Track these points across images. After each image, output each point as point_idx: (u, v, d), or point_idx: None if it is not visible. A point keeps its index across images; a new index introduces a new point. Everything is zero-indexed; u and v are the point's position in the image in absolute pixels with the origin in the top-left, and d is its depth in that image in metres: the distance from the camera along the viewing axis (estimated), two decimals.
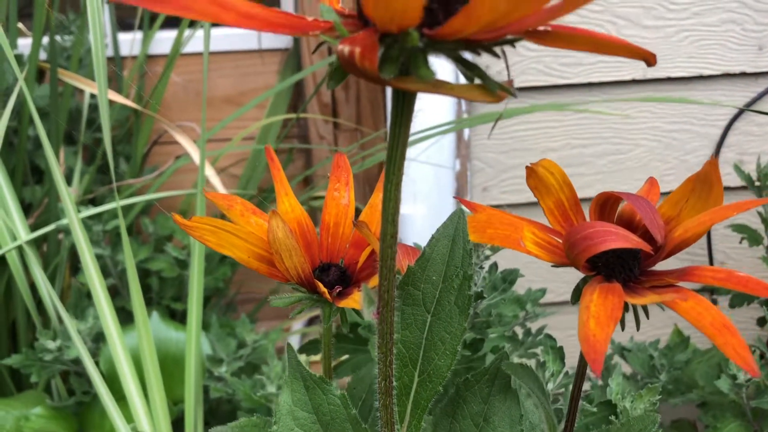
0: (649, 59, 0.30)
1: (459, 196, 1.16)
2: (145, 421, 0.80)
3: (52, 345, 0.86)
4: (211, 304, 0.95)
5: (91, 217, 0.89)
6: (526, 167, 0.41)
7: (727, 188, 1.18)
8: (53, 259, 0.94)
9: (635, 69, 1.13)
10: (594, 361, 0.32)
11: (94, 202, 0.99)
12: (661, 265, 0.40)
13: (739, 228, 1.05)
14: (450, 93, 0.27)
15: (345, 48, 0.26)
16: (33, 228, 0.95)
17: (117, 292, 0.95)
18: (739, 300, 1.04)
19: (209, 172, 0.91)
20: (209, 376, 0.86)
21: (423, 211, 1.19)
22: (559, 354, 0.63)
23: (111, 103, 1.06)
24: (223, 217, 0.42)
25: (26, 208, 1.04)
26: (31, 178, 1.04)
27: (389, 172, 0.31)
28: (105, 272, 0.92)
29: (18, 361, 0.86)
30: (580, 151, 1.17)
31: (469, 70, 0.27)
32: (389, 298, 0.33)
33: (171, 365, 0.88)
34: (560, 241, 0.39)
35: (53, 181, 0.99)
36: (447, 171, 1.15)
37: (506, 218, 0.38)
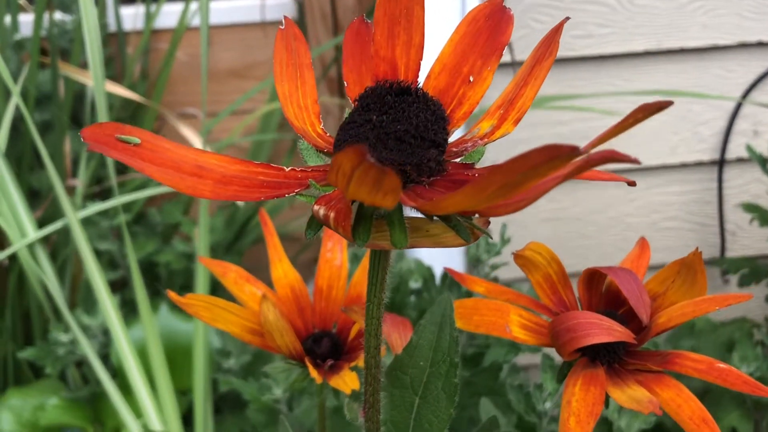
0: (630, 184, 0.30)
1: None
2: (153, 415, 0.83)
3: (64, 338, 0.89)
4: (218, 295, 0.98)
5: (100, 214, 0.90)
6: (513, 254, 0.42)
7: (740, 160, 1.17)
8: (62, 250, 0.96)
9: (648, 40, 1.11)
10: None
11: (101, 195, 1.01)
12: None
13: (750, 207, 1.05)
14: (425, 245, 0.28)
15: (320, 210, 0.26)
16: (42, 220, 0.97)
17: (126, 284, 0.97)
18: (748, 280, 1.05)
19: None
20: (218, 368, 0.89)
21: None
22: (556, 372, 0.64)
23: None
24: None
25: (34, 194, 1.06)
26: (36, 164, 1.05)
27: (371, 293, 0.32)
28: (114, 265, 0.94)
29: (32, 354, 0.90)
30: (590, 125, 1.16)
31: (445, 221, 0.28)
32: (374, 401, 0.35)
33: (180, 357, 0.91)
34: (548, 319, 0.40)
35: (62, 168, 1.01)
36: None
37: (492, 304, 0.39)
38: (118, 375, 0.89)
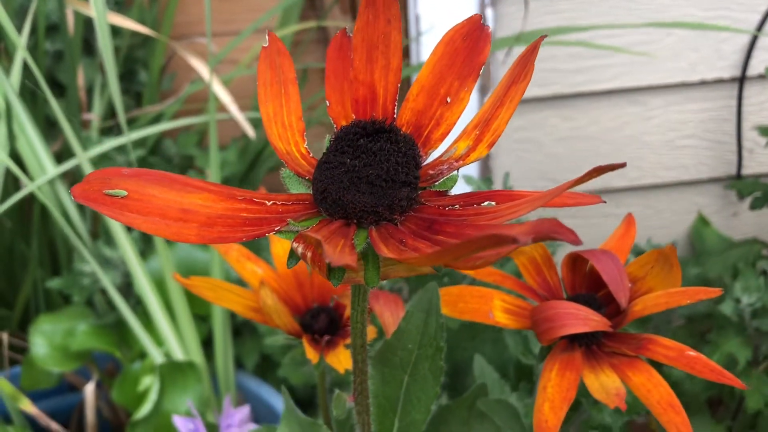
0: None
1: (483, 87, 1.16)
2: (174, 342, 0.89)
3: (87, 269, 0.94)
4: None
5: (116, 149, 0.93)
6: None
7: (762, 77, 1.15)
8: None
9: None
10: None
11: (118, 128, 1.03)
12: None
13: (765, 131, 1.04)
14: (401, 275, 0.30)
15: (298, 248, 0.29)
16: (59, 153, 1.00)
17: None
18: (760, 202, 1.06)
19: (224, 98, 0.93)
20: None
21: None
22: None
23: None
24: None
25: (52, 124, 1.08)
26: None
27: (354, 303, 0.34)
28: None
29: (59, 284, 0.95)
30: (607, 41, 1.14)
31: None
32: (363, 389, 0.38)
33: (201, 274, 0.96)
34: (531, 302, 0.42)
35: (76, 100, 1.03)
36: None
37: (476, 291, 0.41)
38: (142, 303, 0.94)
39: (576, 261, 0.44)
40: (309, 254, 0.28)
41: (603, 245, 0.46)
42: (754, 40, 1.11)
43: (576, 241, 0.23)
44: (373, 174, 0.28)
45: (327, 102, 0.34)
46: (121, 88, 1.11)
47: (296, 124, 0.34)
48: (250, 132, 0.92)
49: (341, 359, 0.44)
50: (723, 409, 1.05)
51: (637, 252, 1.06)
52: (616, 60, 1.13)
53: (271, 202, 0.30)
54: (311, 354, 0.44)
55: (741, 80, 1.15)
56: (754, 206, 1.05)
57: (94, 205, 0.27)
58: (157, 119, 1.01)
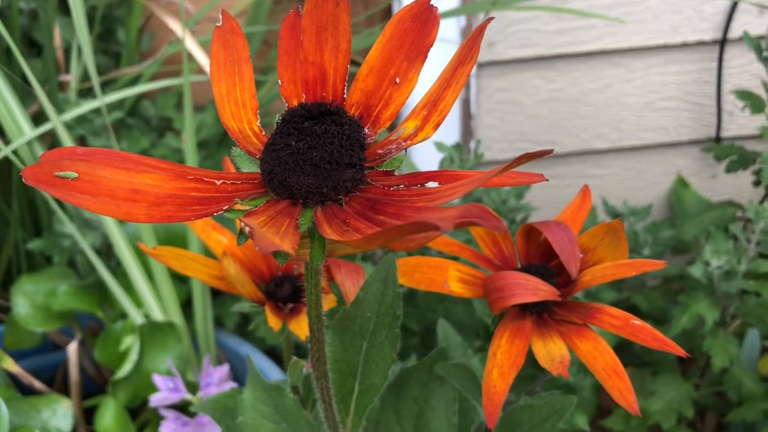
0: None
1: None
2: (153, 304, 0.91)
3: (67, 230, 0.95)
4: None
5: (94, 111, 0.93)
6: None
7: (743, 39, 1.15)
8: (59, 145, 1.00)
9: None
10: (490, 416, 0.39)
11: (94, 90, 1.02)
12: None
13: (744, 95, 1.05)
14: (348, 252, 0.32)
15: (246, 227, 0.30)
16: (36, 115, 1.00)
17: None
18: (735, 165, 1.08)
19: (201, 59, 0.93)
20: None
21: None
22: None
23: None
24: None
25: (30, 84, 1.08)
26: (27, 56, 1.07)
27: (307, 278, 0.36)
28: None
29: (40, 245, 0.96)
30: (590, 4, 1.14)
31: None
32: (320, 356, 0.40)
33: (179, 243, 0.97)
34: (486, 272, 0.44)
35: (53, 60, 1.02)
36: (451, 21, 1.13)
37: (432, 262, 0.43)
38: (121, 265, 0.95)
39: (531, 232, 0.46)
40: (253, 232, 0.29)
41: (558, 216, 0.47)
42: (735, 2, 1.12)
43: (500, 227, 0.24)
44: (317, 156, 0.30)
45: (279, 81, 0.35)
46: (99, 48, 1.11)
47: (249, 103, 0.35)
48: None
49: (303, 326, 0.46)
50: (694, 367, 1.08)
51: (614, 214, 1.08)
52: (597, 22, 1.13)
53: (221, 182, 0.32)
54: (273, 321, 0.45)
55: (722, 43, 1.15)
56: (729, 169, 1.07)
57: (44, 188, 0.28)
58: (135, 80, 1.01)
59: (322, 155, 0.30)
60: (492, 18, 0.34)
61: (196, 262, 0.46)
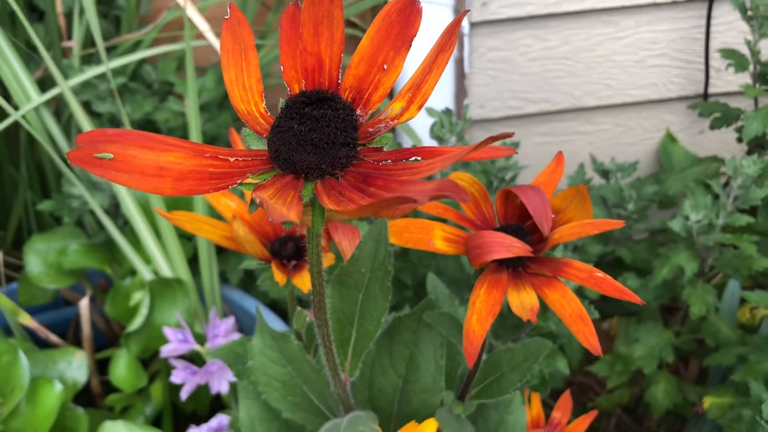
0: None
1: (457, 11, 1.20)
2: (161, 260, 0.97)
3: (76, 191, 1.01)
4: None
5: (97, 76, 0.98)
6: None
7: None
8: (66, 108, 1.05)
9: None
10: (470, 356, 0.45)
11: (98, 55, 1.07)
12: None
13: (728, 53, 1.10)
14: (344, 218, 0.38)
15: (257, 198, 0.36)
16: (42, 80, 1.05)
17: None
18: (719, 122, 1.13)
19: (201, 24, 0.98)
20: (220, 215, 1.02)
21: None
22: None
23: None
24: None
25: (33, 50, 1.12)
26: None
27: (309, 240, 0.42)
28: (115, 124, 1.03)
29: (50, 206, 1.02)
30: None
31: None
32: (321, 306, 0.46)
33: (183, 206, 1.03)
34: (468, 231, 0.50)
35: (56, 25, 1.07)
36: None
37: (420, 223, 0.49)
38: (129, 224, 1.01)
39: (508, 196, 0.52)
40: (266, 204, 0.35)
41: (534, 181, 0.53)
42: None
43: (465, 198, 0.30)
44: (316, 137, 0.35)
45: (282, 68, 0.40)
46: (99, 12, 1.15)
47: (256, 87, 0.41)
48: None
49: (305, 281, 0.52)
50: (676, 316, 1.15)
51: (602, 171, 1.14)
52: None
53: (234, 158, 0.37)
54: (279, 277, 0.52)
55: (710, 0, 1.19)
56: (713, 126, 1.12)
57: (88, 168, 0.34)
58: (136, 46, 1.05)
59: (320, 136, 0.35)
60: (467, 11, 0.39)
61: (208, 224, 0.52)
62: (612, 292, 0.47)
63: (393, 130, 0.88)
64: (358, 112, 0.39)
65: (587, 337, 0.46)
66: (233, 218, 0.50)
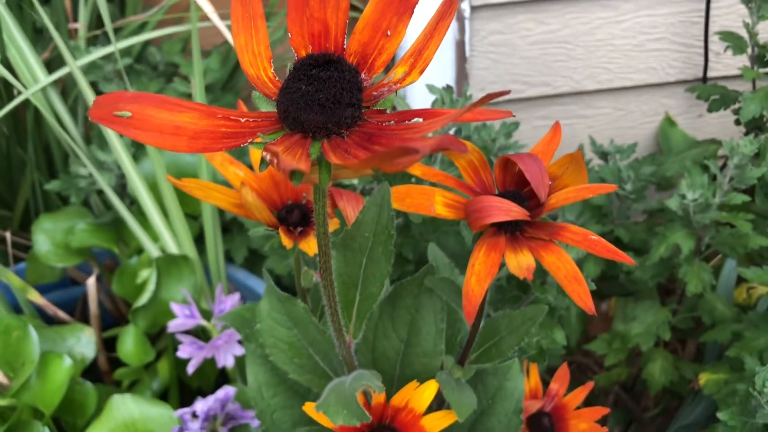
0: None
1: None
2: (168, 238, 1.00)
3: (83, 172, 1.03)
4: None
5: (103, 57, 1.00)
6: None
7: None
8: (73, 88, 1.07)
9: None
10: (468, 314, 0.48)
11: (104, 35, 1.09)
12: None
13: (727, 36, 1.11)
14: (350, 176, 0.40)
15: (267, 155, 0.38)
16: (49, 61, 1.07)
17: None
18: (717, 105, 1.15)
19: (206, 6, 1.00)
20: None
21: None
22: None
23: None
24: None
25: (39, 32, 1.15)
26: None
27: (316, 199, 0.44)
28: None
29: (57, 186, 1.04)
30: None
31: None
32: (327, 266, 0.48)
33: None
34: (467, 197, 0.52)
35: (62, 7, 1.09)
36: None
37: (421, 189, 0.51)
38: (136, 203, 1.04)
39: (507, 163, 0.54)
40: (275, 161, 0.38)
41: (532, 150, 0.55)
42: None
43: (464, 149, 0.32)
44: (323, 97, 0.38)
45: (289, 34, 0.42)
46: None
47: (264, 53, 0.43)
48: (231, 39, 1.00)
49: (311, 245, 0.54)
50: (673, 295, 1.18)
51: (601, 153, 1.16)
52: None
53: (244, 119, 0.40)
54: (286, 241, 0.54)
55: None
56: (711, 109, 1.14)
57: (108, 124, 0.36)
58: (141, 27, 1.08)
59: (327, 96, 0.37)
60: None
61: (217, 191, 0.55)
62: (605, 253, 0.49)
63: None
64: (363, 76, 0.41)
65: (582, 296, 0.49)
66: (242, 185, 0.52)
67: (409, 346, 0.59)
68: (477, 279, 0.48)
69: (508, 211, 0.49)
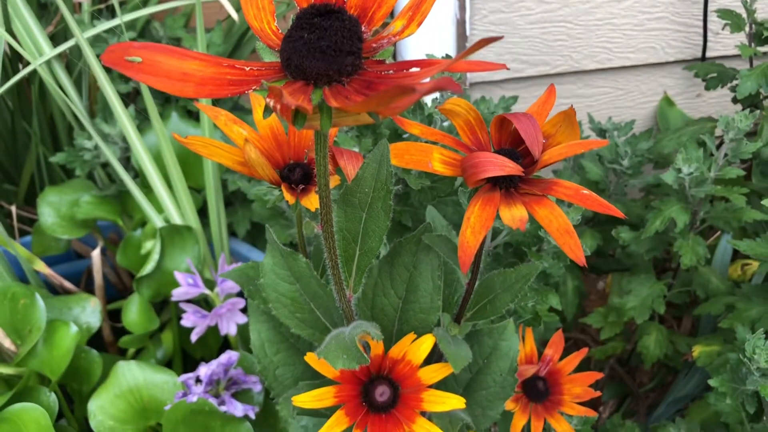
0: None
1: None
2: (172, 209, 1.02)
3: (88, 144, 1.05)
4: (221, 104, 1.12)
5: (107, 31, 1.02)
6: (437, 107, 0.55)
7: None
8: (77, 62, 1.09)
9: None
10: (463, 263, 0.50)
11: (108, 10, 1.11)
12: None
13: (725, 14, 1.13)
14: (349, 123, 0.42)
15: (270, 102, 0.40)
16: (54, 35, 1.09)
17: (139, 94, 1.11)
18: (714, 83, 1.17)
19: None
20: (227, 169, 1.06)
21: None
22: None
23: None
24: None
25: (43, 7, 1.16)
26: None
27: (317, 148, 0.46)
28: (126, 78, 1.07)
29: (62, 159, 1.06)
30: None
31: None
32: (327, 219, 0.50)
33: (193, 159, 1.08)
34: (464, 155, 0.54)
35: None
36: None
37: (419, 146, 0.53)
38: (140, 176, 1.06)
39: (502, 122, 0.56)
40: (278, 106, 0.40)
41: (527, 110, 0.57)
42: None
43: (458, 90, 0.34)
44: (324, 45, 0.39)
45: None
46: None
47: (268, 7, 0.45)
48: (234, 14, 1.02)
49: (312, 201, 0.56)
50: (668, 270, 1.20)
51: (599, 130, 1.18)
52: None
53: (249, 68, 0.42)
54: (288, 197, 0.56)
55: None
56: (708, 86, 1.16)
57: (120, 68, 0.38)
58: (144, 3, 1.09)
59: (328, 44, 0.39)
60: None
61: (221, 149, 0.57)
62: (597, 207, 0.51)
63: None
64: (363, 28, 0.43)
65: (573, 248, 0.51)
66: (246, 142, 0.54)
67: (407, 303, 0.61)
68: (472, 231, 0.50)
69: (503, 166, 0.51)
